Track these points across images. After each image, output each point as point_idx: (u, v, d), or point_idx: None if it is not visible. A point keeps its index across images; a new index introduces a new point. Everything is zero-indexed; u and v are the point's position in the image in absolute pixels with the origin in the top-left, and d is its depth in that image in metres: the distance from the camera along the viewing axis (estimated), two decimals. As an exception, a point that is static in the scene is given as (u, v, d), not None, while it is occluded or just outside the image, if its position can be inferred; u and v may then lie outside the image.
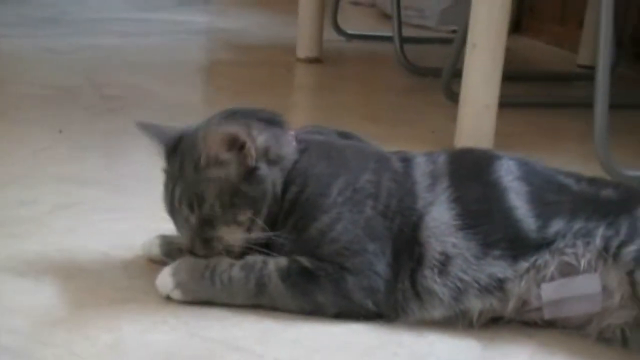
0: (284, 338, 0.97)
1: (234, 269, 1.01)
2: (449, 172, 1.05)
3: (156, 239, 1.14)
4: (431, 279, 0.99)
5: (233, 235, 1.03)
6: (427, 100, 2.18)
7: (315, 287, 0.99)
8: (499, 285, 0.98)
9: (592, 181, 1.07)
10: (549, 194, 1.02)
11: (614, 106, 1.81)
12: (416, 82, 2.45)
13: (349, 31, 3.01)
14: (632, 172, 1.56)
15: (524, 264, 0.98)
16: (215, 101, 2.19)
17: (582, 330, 0.99)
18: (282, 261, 1.01)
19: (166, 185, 1.07)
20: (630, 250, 0.96)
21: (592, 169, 1.51)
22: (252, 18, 3.44)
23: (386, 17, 3.33)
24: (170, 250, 1.13)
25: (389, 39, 2.58)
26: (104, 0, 3.59)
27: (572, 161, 1.59)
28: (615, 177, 1.49)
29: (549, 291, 0.98)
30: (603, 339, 0.98)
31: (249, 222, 1.03)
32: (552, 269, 0.98)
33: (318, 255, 1.00)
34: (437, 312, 0.99)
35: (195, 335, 0.96)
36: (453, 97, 1.91)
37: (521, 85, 2.43)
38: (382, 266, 0.99)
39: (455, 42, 2.01)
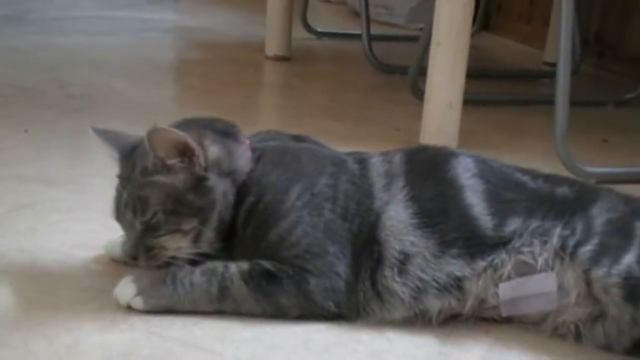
0: (244, 336, 0.97)
1: (195, 274, 1.00)
2: (404, 171, 1.06)
3: (119, 238, 1.14)
4: (391, 279, 1.00)
5: (176, 244, 1.02)
6: (394, 98, 2.19)
7: (278, 289, 0.99)
8: (457, 284, 0.99)
9: (547, 178, 1.08)
10: (505, 192, 1.04)
11: (578, 103, 1.83)
12: (384, 79, 2.46)
13: (319, 29, 3.01)
14: (592, 169, 1.58)
15: (481, 263, 1.00)
16: (183, 100, 2.18)
17: (538, 326, 1.01)
18: (244, 264, 1.00)
19: (117, 191, 1.07)
20: (586, 249, 0.98)
21: (554, 166, 1.54)
22: (221, 16, 3.42)
23: (356, 14, 3.33)
24: None
25: (358, 36, 2.59)
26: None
27: (535, 158, 1.62)
28: (576, 174, 1.51)
29: (506, 290, 0.99)
30: (558, 334, 1.00)
31: (194, 232, 1.02)
32: (509, 267, 0.99)
33: (279, 259, 1.00)
34: (398, 312, 1.00)
35: (155, 334, 0.96)
36: (419, 94, 1.92)
37: (488, 83, 2.46)
38: (342, 267, 1.00)
39: (421, 40, 2.02)
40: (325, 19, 3.38)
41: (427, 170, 1.06)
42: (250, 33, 3.02)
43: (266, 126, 2.07)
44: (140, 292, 1.00)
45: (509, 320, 1.02)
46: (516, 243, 1.00)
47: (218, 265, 1.01)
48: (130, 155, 1.07)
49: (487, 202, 1.02)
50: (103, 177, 1.44)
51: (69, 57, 2.48)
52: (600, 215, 1.02)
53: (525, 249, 1.00)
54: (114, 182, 1.08)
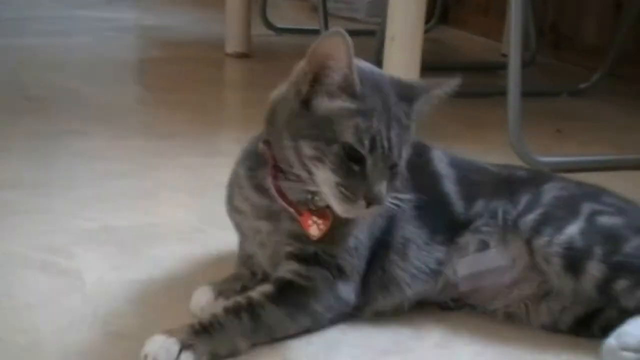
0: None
1: (219, 316, 0.93)
2: None
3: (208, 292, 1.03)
4: (396, 265, 1.02)
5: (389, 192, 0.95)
6: (354, 92, 2.20)
7: (310, 298, 0.97)
8: (439, 270, 1.03)
9: (506, 166, 1.15)
10: (472, 175, 1.09)
11: (533, 94, 1.87)
12: (344, 74, 2.47)
13: (279, 25, 3.02)
14: (545, 159, 1.62)
15: (453, 246, 1.04)
16: (144, 99, 2.17)
17: (490, 306, 1.04)
18: (266, 287, 0.98)
19: (378, 123, 0.92)
20: (528, 219, 1.01)
21: (511, 157, 1.57)
22: (180, 14, 3.42)
23: (317, 10, 3.35)
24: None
25: (317, 32, 2.60)
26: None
27: (492, 149, 1.65)
28: (529, 164, 1.55)
29: (463, 266, 1.03)
30: (508, 314, 1.03)
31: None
32: (471, 248, 1.03)
33: (326, 252, 0.98)
34: (395, 299, 1.02)
35: (111, 334, 0.97)
36: (377, 89, 1.94)
37: (447, 75, 2.47)
38: (363, 264, 1.01)
39: (377, 34, 2.05)
40: (286, 16, 3.39)
41: (417, 165, 1.04)
42: (210, 31, 3.02)
43: (231, 123, 2.09)
44: (185, 347, 0.89)
45: (461, 307, 1.05)
46: (477, 223, 1.04)
47: (239, 300, 0.96)
48: (375, 88, 0.95)
49: (459, 186, 1.06)
50: (62, 179, 1.46)
51: (27, 58, 2.47)
52: (550, 191, 1.06)
53: (484, 228, 1.04)
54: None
